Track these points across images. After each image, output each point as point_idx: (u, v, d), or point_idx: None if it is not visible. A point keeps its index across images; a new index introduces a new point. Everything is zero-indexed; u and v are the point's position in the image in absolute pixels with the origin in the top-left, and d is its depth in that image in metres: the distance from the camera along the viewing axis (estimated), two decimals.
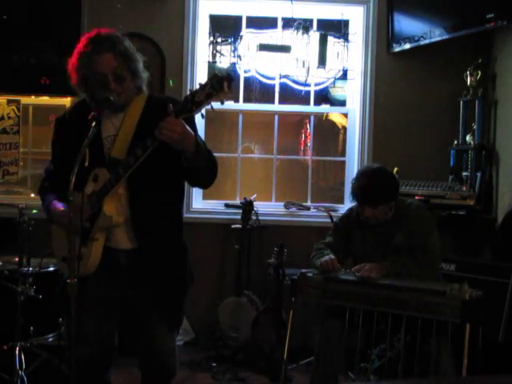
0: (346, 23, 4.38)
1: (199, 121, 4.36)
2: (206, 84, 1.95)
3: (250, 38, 4.33)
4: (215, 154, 2.31)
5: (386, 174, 2.91)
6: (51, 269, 3.48)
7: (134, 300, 2.30)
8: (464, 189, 3.90)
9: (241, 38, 4.31)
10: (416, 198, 3.73)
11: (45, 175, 2.45)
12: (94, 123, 2.06)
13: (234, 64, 4.32)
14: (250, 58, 4.33)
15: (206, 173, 2.25)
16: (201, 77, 4.27)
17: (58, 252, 2.33)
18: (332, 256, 2.83)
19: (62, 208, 2.24)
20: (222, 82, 1.92)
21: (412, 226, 2.84)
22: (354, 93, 4.43)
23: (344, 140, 4.54)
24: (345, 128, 4.53)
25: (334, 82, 4.50)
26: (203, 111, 2.06)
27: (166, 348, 2.34)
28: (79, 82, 2.22)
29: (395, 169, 4.00)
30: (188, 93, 2.01)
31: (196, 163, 2.12)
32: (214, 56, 4.27)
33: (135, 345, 2.39)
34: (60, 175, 2.27)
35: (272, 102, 4.51)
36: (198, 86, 1.98)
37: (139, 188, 2.20)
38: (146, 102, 2.28)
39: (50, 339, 3.51)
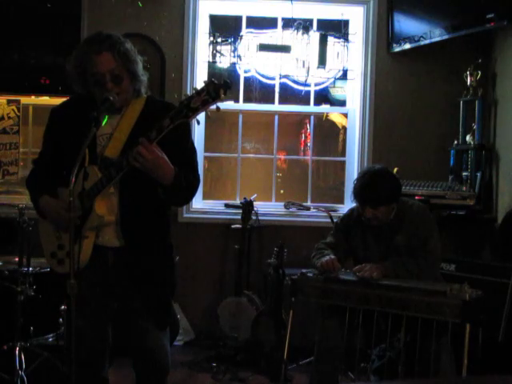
0: (346, 23, 4.39)
1: (200, 119, 4.37)
2: (203, 90, 1.95)
3: (249, 38, 4.32)
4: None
5: (388, 176, 2.90)
6: None
7: (122, 298, 2.29)
8: (464, 189, 3.90)
9: (241, 38, 4.31)
10: (416, 198, 3.73)
11: (33, 167, 2.43)
12: (93, 124, 2.05)
13: (233, 64, 4.32)
14: (250, 58, 4.33)
15: (178, 202, 2.34)
16: (201, 77, 4.27)
17: (47, 247, 2.33)
18: (332, 256, 2.83)
19: (56, 202, 2.23)
20: (219, 90, 1.92)
21: (413, 226, 2.84)
22: (353, 93, 4.43)
23: (344, 140, 4.54)
24: (345, 128, 4.53)
25: (333, 82, 4.50)
26: (198, 117, 2.06)
27: (156, 346, 2.32)
28: (78, 80, 2.22)
29: (395, 169, 4.00)
30: (183, 98, 2.01)
31: (170, 196, 2.18)
32: (213, 56, 4.27)
33: (127, 344, 2.38)
34: (50, 168, 2.28)
35: (272, 102, 4.50)
36: (193, 92, 1.98)
37: (130, 188, 2.20)
38: (145, 105, 2.28)
39: (50, 339, 3.51)
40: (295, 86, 4.47)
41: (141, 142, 2.03)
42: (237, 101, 4.49)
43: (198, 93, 1.95)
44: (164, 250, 2.35)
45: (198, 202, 4.41)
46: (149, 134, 2.04)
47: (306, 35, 4.29)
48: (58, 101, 4.25)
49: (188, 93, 2.01)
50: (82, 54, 2.17)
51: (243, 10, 4.42)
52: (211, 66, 4.36)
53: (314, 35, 4.30)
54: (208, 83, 1.94)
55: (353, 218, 3.01)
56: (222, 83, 1.93)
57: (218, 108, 1.97)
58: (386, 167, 2.97)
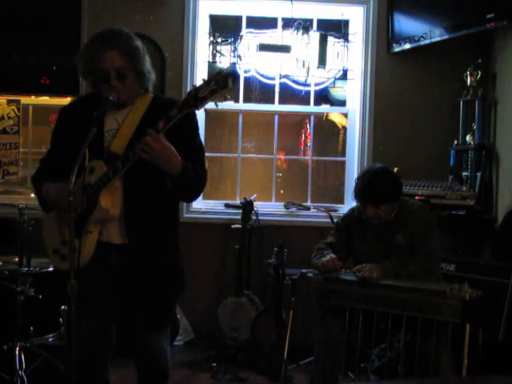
0: (346, 23, 4.39)
1: (200, 119, 4.35)
2: (211, 80, 1.97)
3: (249, 38, 4.32)
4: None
5: (389, 174, 2.92)
6: (51, 269, 3.48)
7: (123, 297, 2.27)
8: (464, 189, 3.90)
9: (241, 38, 4.31)
10: (416, 197, 3.73)
11: (40, 165, 2.44)
12: (93, 124, 2.06)
13: (234, 64, 4.31)
14: (250, 58, 4.33)
15: (188, 195, 2.32)
16: (201, 77, 4.27)
17: (49, 244, 2.33)
18: (333, 255, 2.82)
19: (58, 184, 2.21)
20: (227, 79, 1.95)
21: (413, 226, 2.84)
22: (353, 93, 4.43)
23: (344, 140, 4.54)
24: (345, 128, 4.53)
25: (333, 82, 4.50)
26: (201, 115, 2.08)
27: (156, 349, 2.32)
28: (87, 76, 2.24)
29: (395, 169, 4.00)
30: (191, 88, 2.02)
31: (179, 188, 2.17)
32: (214, 56, 4.27)
33: (129, 344, 2.36)
34: (56, 166, 2.28)
35: (272, 102, 4.50)
36: (201, 82, 2.00)
37: (136, 183, 2.19)
38: (151, 102, 2.29)
39: (50, 339, 3.51)
40: (295, 86, 4.47)
41: (148, 133, 2.04)
42: (237, 101, 4.49)
43: (206, 83, 1.98)
44: (170, 250, 2.32)
45: (198, 202, 4.40)
46: (156, 125, 2.05)
47: (305, 35, 4.29)
48: (57, 101, 4.34)
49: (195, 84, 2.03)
50: (89, 51, 2.19)
51: (243, 10, 4.42)
52: (211, 66, 4.35)
53: (314, 35, 4.30)
54: (216, 73, 1.97)
55: (353, 217, 3.01)
56: (230, 72, 1.96)
57: (226, 98, 1.99)
58: (386, 166, 2.98)
